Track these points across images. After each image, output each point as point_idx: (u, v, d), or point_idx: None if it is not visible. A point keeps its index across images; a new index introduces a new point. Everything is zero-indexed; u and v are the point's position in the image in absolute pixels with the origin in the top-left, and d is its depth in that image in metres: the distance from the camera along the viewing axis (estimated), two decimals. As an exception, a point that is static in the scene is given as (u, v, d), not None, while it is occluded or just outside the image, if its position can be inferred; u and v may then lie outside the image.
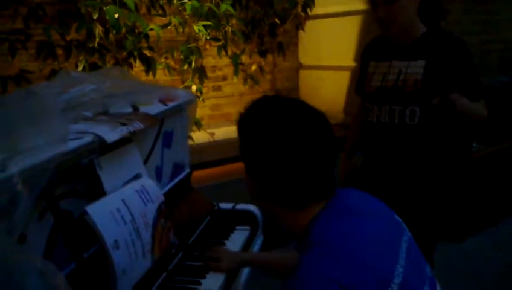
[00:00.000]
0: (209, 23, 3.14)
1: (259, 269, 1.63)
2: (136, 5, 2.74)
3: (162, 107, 1.75)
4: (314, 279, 0.90)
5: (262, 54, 3.84)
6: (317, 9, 3.96)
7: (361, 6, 3.90)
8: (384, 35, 1.92)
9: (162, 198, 1.55)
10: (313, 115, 1.06)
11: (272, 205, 1.09)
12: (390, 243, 1.03)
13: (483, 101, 1.87)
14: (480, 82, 1.88)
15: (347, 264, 0.92)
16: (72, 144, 1.20)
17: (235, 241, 1.85)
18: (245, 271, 1.66)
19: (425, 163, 1.93)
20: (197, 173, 2.26)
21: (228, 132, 3.61)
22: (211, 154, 3.32)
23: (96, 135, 1.29)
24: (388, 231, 1.06)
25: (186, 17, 3.15)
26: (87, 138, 1.26)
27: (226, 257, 1.61)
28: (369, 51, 2.09)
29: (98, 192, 1.33)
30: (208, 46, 3.55)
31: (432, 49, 1.84)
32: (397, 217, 1.15)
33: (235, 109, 4.24)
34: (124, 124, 1.41)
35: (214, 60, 3.88)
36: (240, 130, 1.09)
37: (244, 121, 1.08)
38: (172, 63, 3.37)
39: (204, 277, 1.56)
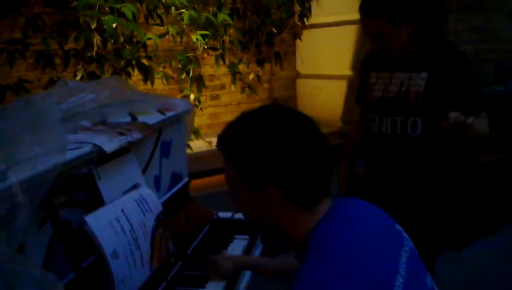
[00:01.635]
0: (206, 32, 3.16)
1: (256, 273, 1.63)
2: (133, 15, 2.76)
3: (160, 117, 1.75)
4: (312, 289, 0.90)
5: (260, 63, 3.87)
6: (314, 19, 3.98)
7: (358, 16, 3.92)
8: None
9: (161, 208, 1.55)
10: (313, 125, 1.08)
11: (279, 209, 1.05)
12: (390, 253, 1.02)
13: (486, 118, 1.85)
14: (481, 95, 1.87)
15: (346, 275, 0.92)
16: (71, 154, 1.20)
17: (234, 250, 1.84)
18: (244, 280, 1.65)
19: (426, 173, 1.93)
20: (195, 182, 2.25)
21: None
22: (209, 163, 3.31)
23: (94, 145, 1.29)
24: (388, 241, 1.06)
25: (184, 26, 3.17)
26: (86, 148, 1.27)
27: (222, 261, 1.61)
28: (369, 61, 2.07)
29: (97, 202, 1.33)
30: (205, 56, 3.57)
31: (434, 61, 1.84)
32: (398, 227, 1.15)
33: (233, 118, 4.23)
34: (122, 134, 1.41)
35: (212, 69, 3.89)
36: (245, 139, 1.10)
37: (248, 129, 1.11)
38: (170, 72, 3.39)
39: (204, 287, 1.56)
